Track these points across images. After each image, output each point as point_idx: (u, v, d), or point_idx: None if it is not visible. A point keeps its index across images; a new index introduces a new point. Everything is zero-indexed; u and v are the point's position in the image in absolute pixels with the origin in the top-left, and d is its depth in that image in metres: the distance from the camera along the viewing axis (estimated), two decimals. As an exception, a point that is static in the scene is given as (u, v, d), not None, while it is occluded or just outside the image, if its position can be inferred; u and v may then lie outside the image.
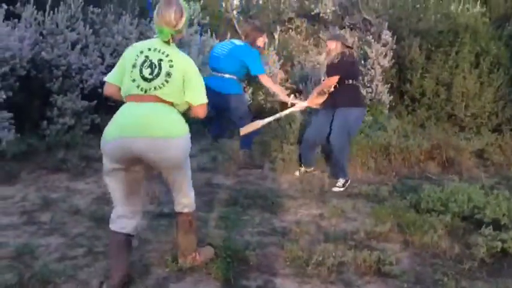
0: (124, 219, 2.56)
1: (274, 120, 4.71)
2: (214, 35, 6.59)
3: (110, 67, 4.85)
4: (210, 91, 4.82)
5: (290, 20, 8.05)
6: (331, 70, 4.41)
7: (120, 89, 2.55)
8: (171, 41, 2.53)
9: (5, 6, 4.80)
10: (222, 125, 5.17)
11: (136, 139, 2.40)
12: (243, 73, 4.90)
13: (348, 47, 4.47)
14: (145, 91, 2.46)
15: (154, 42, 2.56)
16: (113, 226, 2.56)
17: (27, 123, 4.68)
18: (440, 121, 5.90)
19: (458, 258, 3.05)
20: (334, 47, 4.41)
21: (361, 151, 5.03)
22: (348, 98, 4.37)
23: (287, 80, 6.84)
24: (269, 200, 4.00)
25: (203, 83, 2.62)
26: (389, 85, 6.10)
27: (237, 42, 4.99)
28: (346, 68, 4.35)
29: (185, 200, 2.72)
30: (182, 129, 2.52)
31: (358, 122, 4.53)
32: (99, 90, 4.19)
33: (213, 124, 5.24)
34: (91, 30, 5.23)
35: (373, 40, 6.22)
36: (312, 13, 7.65)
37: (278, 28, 7.81)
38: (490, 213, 3.47)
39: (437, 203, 3.71)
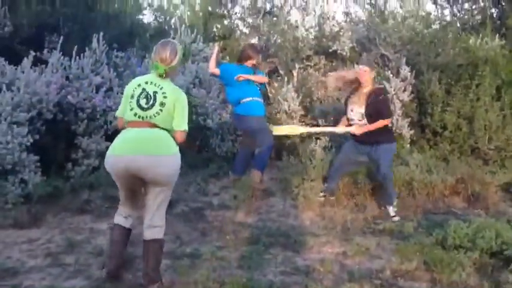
0: (121, 216, 3.14)
1: (314, 132, 4.96)
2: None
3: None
4: (237, 117, 5.12)
5: (308, 57, 8.15)
6: (377, 112, 4.49)
7: None
8: (164, 75, 2.95)
9: (33, 53, 5.01)
10: (245, 162, 5.23)
11: (136, 156, 2.85)
12: (251, 91, 5.10)
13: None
14: (143, 118, 2.91)
15: (151, 76, 3.01)
16: (116, 220, 3.16)
17: (53, 166, 4.78)
18: (463, 155, 5.79)
19: (489, 297, 2.96)
20: (368, 76, 4.54)
21: (383, 187, 4.98)
22: (388, 134, 4.64)
23: (306, 116, 6.89)
24: (291, 238, 3.97)
25: (187, 114, 3.04)
26: (409, 119, 6.07)
27: None
28: (388, 107, 4.65)
29: (159, 222, 3.00)
30: (172, 148, 2.95)
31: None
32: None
33: (237, 162, 5.31)
34: (115, 74, 5.40)
35: (391, 75, 6.24)
36: (330, 50, 7.73)
37: (297, 66, 7.93)
38: (519, 249, 3.37)
39: (464, 239, 3.62)
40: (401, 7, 7.75)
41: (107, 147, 4.92)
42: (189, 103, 3.18)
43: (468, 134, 5.78)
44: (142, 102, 2.90)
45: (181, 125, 2.99)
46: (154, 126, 2.90)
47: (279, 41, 8.20)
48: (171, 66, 2.94)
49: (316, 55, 8.08)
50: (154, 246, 2.96)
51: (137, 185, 3.01)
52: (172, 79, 3.09)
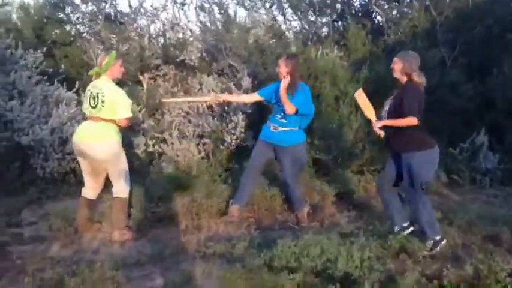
0: (85, 189, 4.21)
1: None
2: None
3: None
4: None
5: (157, 67, 7.70)
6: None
7: None
8: (96, 75, 4.04)
9: None
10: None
11: (81, 143, 3.96)
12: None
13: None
14: (93, 113, 3.95)
15: (95, 81, 4.04)
16: (83, 193, 4.21)
17: None
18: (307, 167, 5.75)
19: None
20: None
21: (223, 204, 4.72)
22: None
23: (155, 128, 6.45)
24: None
25: (126, 103, 3.99)
26: (253, 132, 5.90)
27: None
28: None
29: (118, 187, 4.07)
30: (106, 137, 3.94)
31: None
32: None
33: None
34: None
35: (233, 86, 6.05)
36: (178, 59, 7.37)
37: (146, 76, 7.46)
38: (341, 266, 3.25)
39: (290, 259, 3.42)
40: (248, 17, 7.70)
41: None
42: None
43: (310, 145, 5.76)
44: (92, 102, 3.96)
45: (122, 113, 3.95)
46: (100, 119, 3.92)
47: (124, 48, 7.64)
48: (102, 68, 3.97)
49: (165, 65, 7.67)
50: (114, 202, 4.07)
51: (90, 164, 4.07)
52: (112, 78, 4.03)
